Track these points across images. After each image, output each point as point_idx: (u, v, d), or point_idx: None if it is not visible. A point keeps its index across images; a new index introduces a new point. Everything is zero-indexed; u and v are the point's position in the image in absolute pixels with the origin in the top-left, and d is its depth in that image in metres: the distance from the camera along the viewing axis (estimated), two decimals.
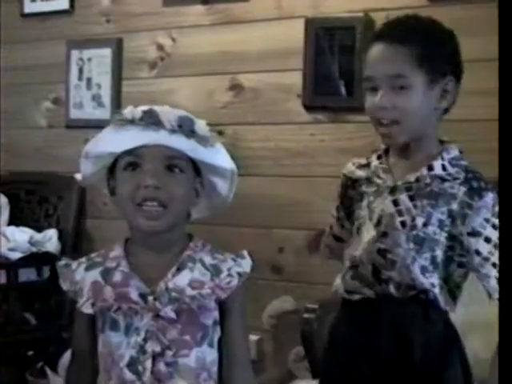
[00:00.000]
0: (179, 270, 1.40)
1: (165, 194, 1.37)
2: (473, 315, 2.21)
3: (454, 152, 1.62)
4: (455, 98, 1.62)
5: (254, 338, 2.77)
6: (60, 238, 3.41)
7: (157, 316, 1.38)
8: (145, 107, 1.39)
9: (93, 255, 1.48)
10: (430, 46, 1.58)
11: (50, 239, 3.36)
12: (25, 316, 3.23)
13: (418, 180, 1.59)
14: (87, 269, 1.45)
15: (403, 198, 1.59)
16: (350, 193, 1.72)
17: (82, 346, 1.48)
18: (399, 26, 1.63)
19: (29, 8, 3.77)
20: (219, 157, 1.44)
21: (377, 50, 1.59)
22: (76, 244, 3.51)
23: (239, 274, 1.42)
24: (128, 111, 1.39)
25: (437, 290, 1.58)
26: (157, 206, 1.37)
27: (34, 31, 3.76)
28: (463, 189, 1.56)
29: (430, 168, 1.59)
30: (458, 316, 2.26)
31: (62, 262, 1.48)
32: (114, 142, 1.40)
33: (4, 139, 3.78)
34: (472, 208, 1.55)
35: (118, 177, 1.42)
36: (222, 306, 1.42)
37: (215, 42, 3.23)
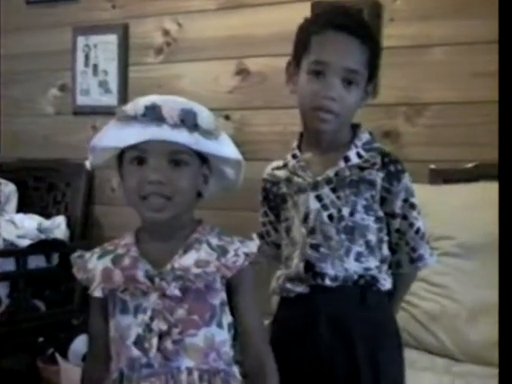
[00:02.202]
0: (186, 251, 1.42)
1: (169, 187, 1.38)
2: (484, 298, 2.21)
3: (366, 136, 1.66)
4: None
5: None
6: (68, 224, 3.42)
7: (163, 296, 1.39)
8: (147, 101, 1.39)
9: (106, 245, 1.51)
10: (377, 52, 1.65)
11: (58, 226, 3.37)
12: (35, 303, 3.23)
13: (337, 174, 1.61)
14: (99, 257, 1.47)
15: (326, 191, 1.61)
16: (271, 196, 1.72)
17: (96, 332, 1.51)
18: (359, 22, 1.67)
19: None
20: (224, 148, 1.44)
21: (338, 39, 1.60)
22: (84, 230, 3.52)
23: (246, 254, 1.43)
24: (130, 107, 1.40)
25: (374, 272, 1.61)
26: (161, 198, 1.38)
27: (40, 18, 3.76)
28: (381, 174, 1.60)
29: (347, 159, 1.61)
30: (468, 299, 2.27)
31: (76, 254, 1.51)
32: (117, 137, 1.41)
33: (12, 127, 3.79)
34: (391, 192, 1.61)
35: (124, 168, 1.43)
36: (230, 286, 1.43)
37: (221, 27, 3.21)
